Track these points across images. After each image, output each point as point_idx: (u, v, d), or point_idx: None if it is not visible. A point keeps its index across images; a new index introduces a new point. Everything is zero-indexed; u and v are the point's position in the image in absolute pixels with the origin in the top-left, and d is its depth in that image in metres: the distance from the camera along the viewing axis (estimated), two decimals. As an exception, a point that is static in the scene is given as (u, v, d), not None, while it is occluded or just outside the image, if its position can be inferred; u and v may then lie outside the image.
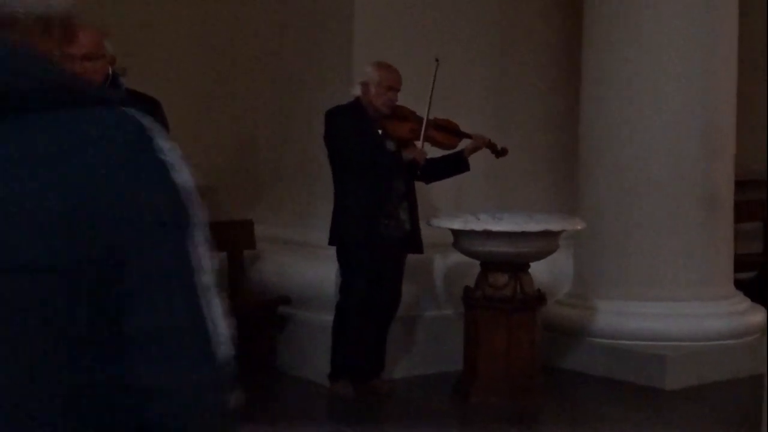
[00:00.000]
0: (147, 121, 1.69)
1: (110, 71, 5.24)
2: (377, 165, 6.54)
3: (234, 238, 7.34)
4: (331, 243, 6.67)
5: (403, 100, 6.73)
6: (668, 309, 7.25)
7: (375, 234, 6.52)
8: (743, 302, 7.62)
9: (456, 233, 6.73)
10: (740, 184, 8.00)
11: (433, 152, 6.88)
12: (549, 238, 6.65)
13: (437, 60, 6.68)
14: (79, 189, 1.59)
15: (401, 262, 6.76)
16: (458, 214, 6.91)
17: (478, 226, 6.56)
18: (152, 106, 5.08)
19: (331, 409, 6.66)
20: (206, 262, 1.66)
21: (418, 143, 6.69)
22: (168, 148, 1.67)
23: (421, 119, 6.70)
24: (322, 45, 7.61)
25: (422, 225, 6.84)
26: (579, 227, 6.88)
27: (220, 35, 7.81)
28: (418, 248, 6.75)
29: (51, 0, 1.78)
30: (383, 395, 6.73)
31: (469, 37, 7.94)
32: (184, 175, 1.67)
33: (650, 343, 7.16)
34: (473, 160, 7.29)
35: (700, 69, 7.29)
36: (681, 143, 7.26)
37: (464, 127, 6.95)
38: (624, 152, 7.29)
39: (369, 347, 6.74)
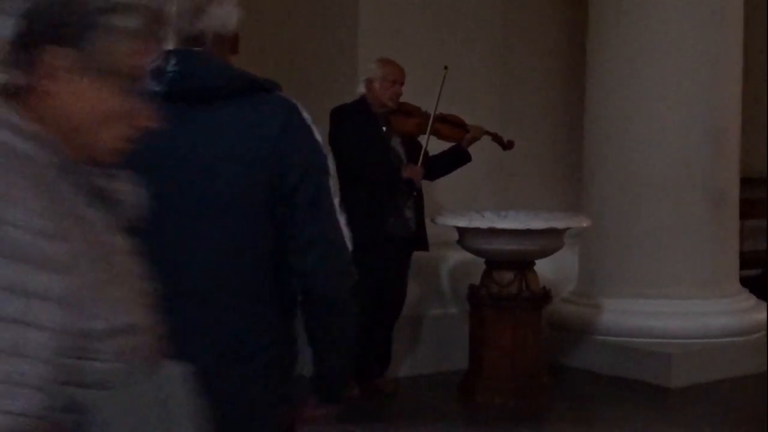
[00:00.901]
0: (293, 100, 2.85)
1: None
2: (377, 177, 6.54)
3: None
4: None
5: (410, 98, 6.72)
6: (673, 306, 7.23)
7: (381, 233, 6.51)
8: (749, 299, 7.60)
9: (461, 231, 6.72)
10: (745, 182, 8.00)
11: (437, 147, 6.86)
12: (554, 235, 6.63)
13: (446, 67, 6.69)
14: (261, 145, 2.66)
15: (407, 261, 6.76)
16: (463, 211, 6.90)
17: (483, 224, 6.55)
18: None
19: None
20: (336, 191, 2.74)
21: (423, 138, 6.67)
22: (309, 117, 2.78)
23: (426, 114, 6.71)
24: (328, 44, 7.61)
25: (427, 223, 6.83)
26: (584, 225, 6.86)
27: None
28: (423, 246, 6.74)
29: (225, 21, 2.85)
30: (388, 394, 6.72)
31: (474, 35, 7.93)
32: (319, 135, 2.78)
33: (656, 340, 7.15)
34: (480, 158, 7.29)
35: (706, 67, 7.28)
36: (687, 141, 7.25)
37: (468, 122, 6.94)
38: (629, 150, 7.28)
39: (374, 346, 6.73)
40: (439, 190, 7.58)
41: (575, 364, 7.38)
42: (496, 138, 6.91)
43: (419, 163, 6.62)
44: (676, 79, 7.20)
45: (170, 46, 2.81)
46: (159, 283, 1.91)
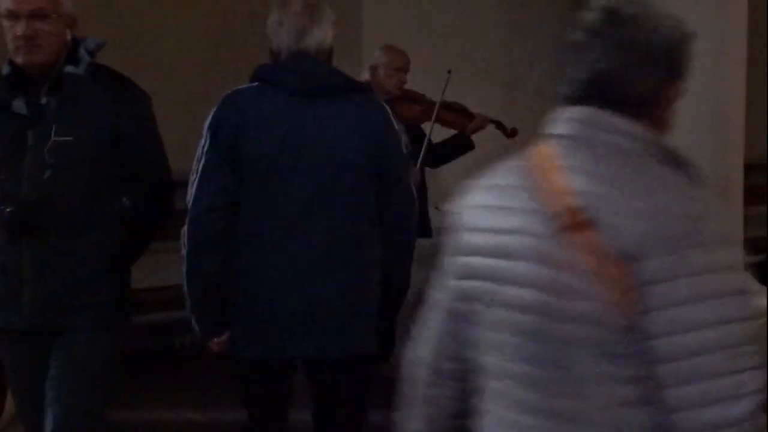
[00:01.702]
0: (383, 103, 4.38)
1: (70, 37, 4.50)
2: None
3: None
4: None
5: (414, 88, 6.75)
6: (677, 293, 7.25)
7: None
8: (752, 286, 7.60)
9: (465, 218, 6.73)
10: (749, 168, 8.00)
11: (440, 135, 6.89)
12: (558, 222, 6.64)
13: (449, 72, 6.72)
14: (371, 135, 4.03)
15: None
16: (467, 199, 6.90)
17: (487, 211, 6.55)
18: (134, 95, 4.50)
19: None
20: (409, 171, 4.53)
21: (427, 125, 6.72)
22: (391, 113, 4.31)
23: (430, 102, 6.75)
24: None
25: (431, 210, 6.86)
26: (588, 211, 6.87)
27: (226, 24, 7.82)
28: (426, 233, 6.76)
29: (323, 39, 4.20)
30: (392, 380, 6.74)
31: (479, 26, 7.95)
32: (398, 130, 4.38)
33: (659, 326, 7.16)
34: (485, 147, 7.33)
35: (710, 53, 7.28)
36: (690, 127, 7.23)
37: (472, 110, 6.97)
38: (633, 137, 7.28)
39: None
40: (444, 178, 7.61)
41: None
42: (500, 126, 6.95)
43: (421, 155, 6.64)
44: (680, 66, 7.20)
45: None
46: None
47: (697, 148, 7.30)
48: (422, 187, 6.74)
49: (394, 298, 4.64)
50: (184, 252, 4.20)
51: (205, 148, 4.08)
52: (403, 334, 7.17)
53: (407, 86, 6.80)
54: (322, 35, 4.17)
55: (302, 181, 4.01)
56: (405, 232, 4.35)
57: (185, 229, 4.19)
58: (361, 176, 4.14)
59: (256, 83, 4.16)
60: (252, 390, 4.57)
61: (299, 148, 3.99)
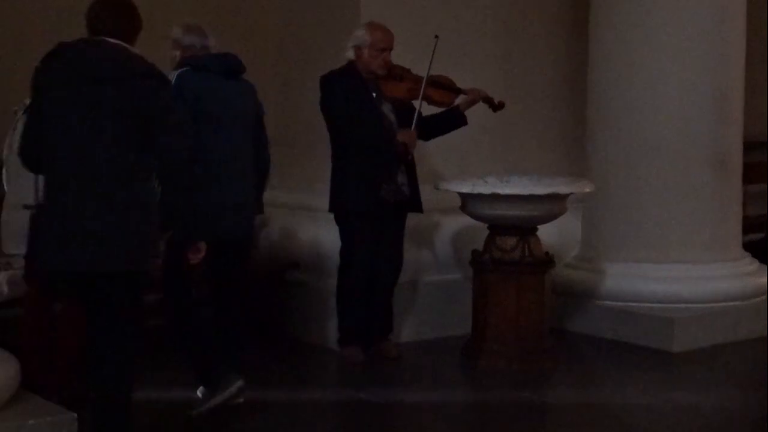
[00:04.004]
0: None
1: None
2: (371, 140, 6.52)
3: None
4: (331, 210, 6.68)
5: (411, 64, 6.70)
6: (676, 271, 7.26)
7: (374, 200, 6.52)
8: (751, 264, 7.62)
9: (464, 197, 6.73)
10: (748, 146, 7.99)
11: (430, 110, 6.85)
12: (557, 201, 6.64)
13: (437, 36, 6.63)
14: (254, 100, 5.89)
15: (401, 225, 6.77)
16: (466, 177, 6.90)
17: (486, 190, 6.55)
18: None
19: (340, 373, 6.69)
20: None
21: (416, 103, 6.64)
22: None
23: (417, 78, 6.66)
24: (330, 10, 7.59)
25: (430, 189, 6.83)
26: (587, 190, 6.87)
27: (226, 3, 7.79)
28: (417, 208, 6.74)
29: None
30: (392, 359, 6.75)
31: (479, 3, 7.92)
32: None
33: (658, 305, 7.18)
34: (482, 124, 7.29)
35: (710, 31, 7.26)
36: (690, 105, 7.24)
37: (464, 85, 6.89)
38: (633, 115, 7.27)
39: (375, 311, 6.76)
40: (441, 157, 7.59)
41: (578, 329, 7.42)
42: (487, 99, 6.85)
43: (413, 127, 6.59)
44: (679, 43, 7.19)
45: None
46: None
47: (697, 127, 7.34)
48: (411, 162, 6.68)
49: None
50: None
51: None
52: (401, 315, 7.22)
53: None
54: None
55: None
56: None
57: None
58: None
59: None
60: None
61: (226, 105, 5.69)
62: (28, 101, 4.76)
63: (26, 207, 4.82)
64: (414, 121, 6.58)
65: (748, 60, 7.55)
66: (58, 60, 4.53)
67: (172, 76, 5.38)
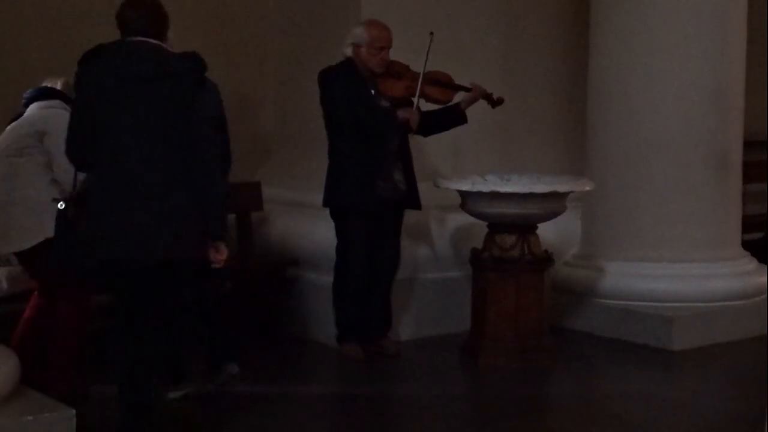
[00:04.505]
0: None
1: None
2: (372, 124, 6.51)
3: (241, 200, 7.32)
4: (325, 205, 6.68)
5: (411, 60, 6.69)
6: (676, 270, 7.26)
7: (371, 197, 6.51)
8: (750, 263, 7.62)
9: (464, 194, 6.73)
10: (748, 145, 7.99)
11: (429, 107, 6.84)
12: (557, 199, 6.64)
13: (431, 33, 6.62)
14: None
15: (398, 222, 6.77)
16: (466, 175, 6.90)
17: (485, 188, 6.55)
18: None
19: (339, 370, 6.69)
20: None
21: (414, 100, 6.63)
22: None
23: (415, 75, 6.65)
24: (331, 8, 7.58)
25: (430, 186, 6.83)
26: (587, 188, 6.87)
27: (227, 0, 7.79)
28: (415, 205, 6.74)
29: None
30: (391, 356, 6.75)
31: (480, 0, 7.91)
32: None
33: (658, 303, 7.18)
34: (482, 122, 7.29)
35: (710, 31, 7.26)
36: (690, 104, 7.24)
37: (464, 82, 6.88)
38: (633, 113, 7.27)
39: (374, 308, 6.76)
40: (440, 154, 7.59)
41: (577, 327, 7.42)
42: (486, 95, 6.84)
43: (415, 100, 6.59)
44: (679, 40, 7.18)
45: None
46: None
47: (696, 125, 7.33)
48: (408, 158, 6.66)
49: None
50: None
51: None
52: (401, 313, 7.22)
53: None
54: None
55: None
56: None
57: None
58: None
59: None
60: None
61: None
62: None
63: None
64: (415, 104, 6.59)
65: (748, 59, 7.55)
66: (101, 60, 4.68)
67: None
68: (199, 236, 4.67)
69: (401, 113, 6.55)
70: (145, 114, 4.59)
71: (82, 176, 4.91)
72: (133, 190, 4.58)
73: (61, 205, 4.94)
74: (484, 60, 7.90)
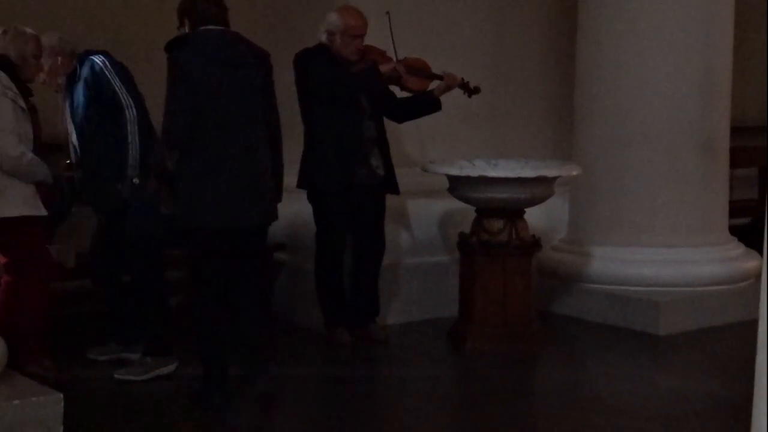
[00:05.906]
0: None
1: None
2: (350, 92, 6.50)
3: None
4: (300, 186, 6.66)
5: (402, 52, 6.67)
6: (663, 255, 7.27)
7: (348, 183, 6.51)
8: (738, 248, 7.64)
9: (451, 179, 6.74)
10: (736, 130, 8.00)
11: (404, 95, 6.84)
12: (544, 184, 6.65)
13: (388, 13, 6.62)
14: None
15: (381, 208, 6.76)
16: (454, 160, 6.90)
17: (473, 172, 6.56)
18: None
19: (327, 355, 6.69)
20: None
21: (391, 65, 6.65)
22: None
23: (391, 60, 6.65)
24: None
25: (418, 171, 6.83)
26: (574, 173, 6.88)
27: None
28: (393, 189, 6.74)
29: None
30: (379, 341, 6.76)
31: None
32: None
33: (645, 288, 7.20)
34: (470, 107, 7.29)
35: (698, 15, 7.27)
36: (677, 89, 7.25)
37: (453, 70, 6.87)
38: (620, 99, 7.28)
39: (361, 294, 6.76)
40: (429, 140, 7.59)
41: (565, 312, 7.43)
42: (462, 84, 6.83)
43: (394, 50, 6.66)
44: (667, 27, 7.19)
45: None
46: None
47: (684, 111, 7.34)
48: (385, 144, 6.64)
49: None
50: None
51: None
52: (388, 298, 7.22)
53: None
54: None
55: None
56: None
57: None
58: None
59: None
60: None
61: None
62: None
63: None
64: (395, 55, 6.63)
65: (735, 44, 7.56)
66: (195, 49, 5.24)
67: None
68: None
69: (383, 67, 6.56)
70: (243, 95, 5.25)
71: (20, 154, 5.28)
72: (243, 164, 5.24)
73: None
74: (472, 45, 7.89)
